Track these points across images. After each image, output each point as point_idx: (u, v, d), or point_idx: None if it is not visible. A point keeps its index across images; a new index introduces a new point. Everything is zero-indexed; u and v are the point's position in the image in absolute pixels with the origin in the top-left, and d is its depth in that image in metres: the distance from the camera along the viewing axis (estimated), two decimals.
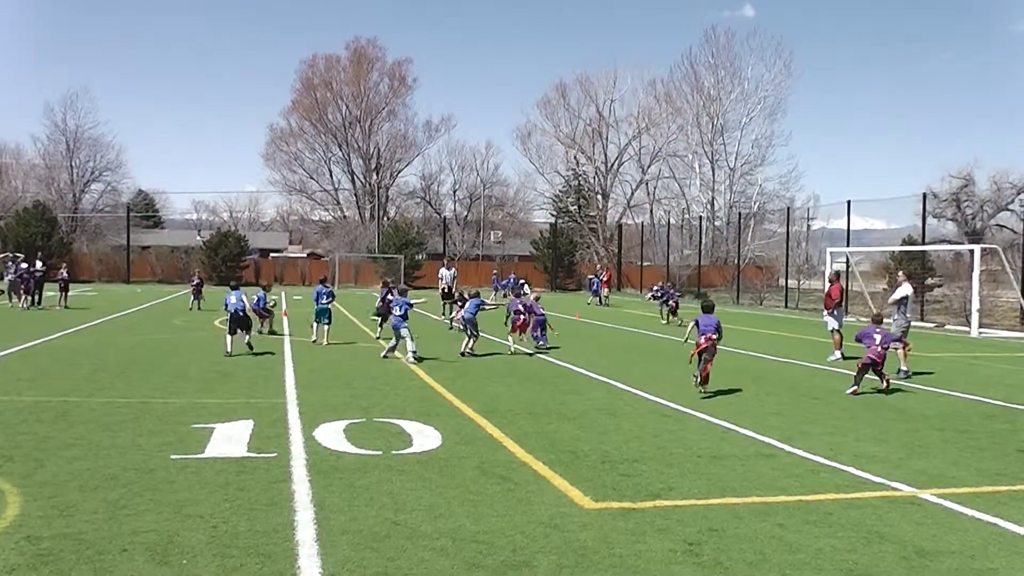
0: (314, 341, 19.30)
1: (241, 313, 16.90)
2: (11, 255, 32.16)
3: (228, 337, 16.78)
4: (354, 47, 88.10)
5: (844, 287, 21.81)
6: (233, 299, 16.99)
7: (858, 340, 14.05)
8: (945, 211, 40.91)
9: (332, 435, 9.52)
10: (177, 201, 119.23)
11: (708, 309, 13.53)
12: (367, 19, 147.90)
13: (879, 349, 13.52)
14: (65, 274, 31.36)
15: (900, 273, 18.05)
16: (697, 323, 13.18)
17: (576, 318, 31.50)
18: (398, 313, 16.63)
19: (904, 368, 16.11)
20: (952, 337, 26.84)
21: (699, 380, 12.94)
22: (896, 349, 15.76)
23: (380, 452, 8.78)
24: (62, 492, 7.07)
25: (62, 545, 5.80)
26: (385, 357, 16.64)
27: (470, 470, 8.15)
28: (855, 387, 13.51)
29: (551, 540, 6.14)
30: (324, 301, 19.36)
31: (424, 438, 9.50)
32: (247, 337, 16.98)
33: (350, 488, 7.37)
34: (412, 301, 17.22)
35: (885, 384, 13.63)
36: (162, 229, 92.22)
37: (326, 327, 19.34)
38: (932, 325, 30.71)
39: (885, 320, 15.17)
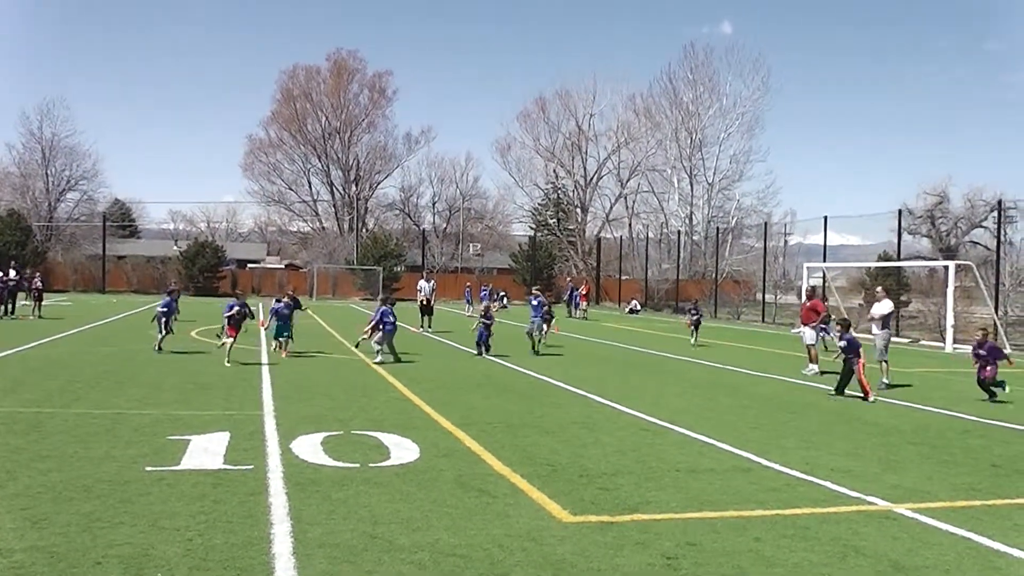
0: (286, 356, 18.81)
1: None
2: None
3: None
4: (334, 59, 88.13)
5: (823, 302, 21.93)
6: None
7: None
8: (920, 228, 41.35)
9: (309, 448, 9.47)
10: (154, 211, 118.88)
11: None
12: (348, 31, 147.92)
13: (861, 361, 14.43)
14: (39, 283, 31.06)
15: (880, 289, 18.16)
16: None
17: (555, 331, 31.49)
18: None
19: (886, 380, 16.28)
20: (927, 352, 27.08)
21: None
22: (882, 362, 16.09)
23: (358, 465, 8.74)
24: (35, 504, 6.98)
25: (34, 558, 5.72)
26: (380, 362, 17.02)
27: (448, 483, 8.12)
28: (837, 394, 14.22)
29: (529, 554, 6.12)
30: (284, 314, 19.21)
31: (402, 451, 9.47)
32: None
33: (327, 501, 7.33)
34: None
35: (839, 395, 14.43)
36: (138, 239, 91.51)
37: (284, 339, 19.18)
38: (907, 340, 30.95)
39: (868, 334, 15.41)
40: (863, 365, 14.61)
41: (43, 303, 31.22)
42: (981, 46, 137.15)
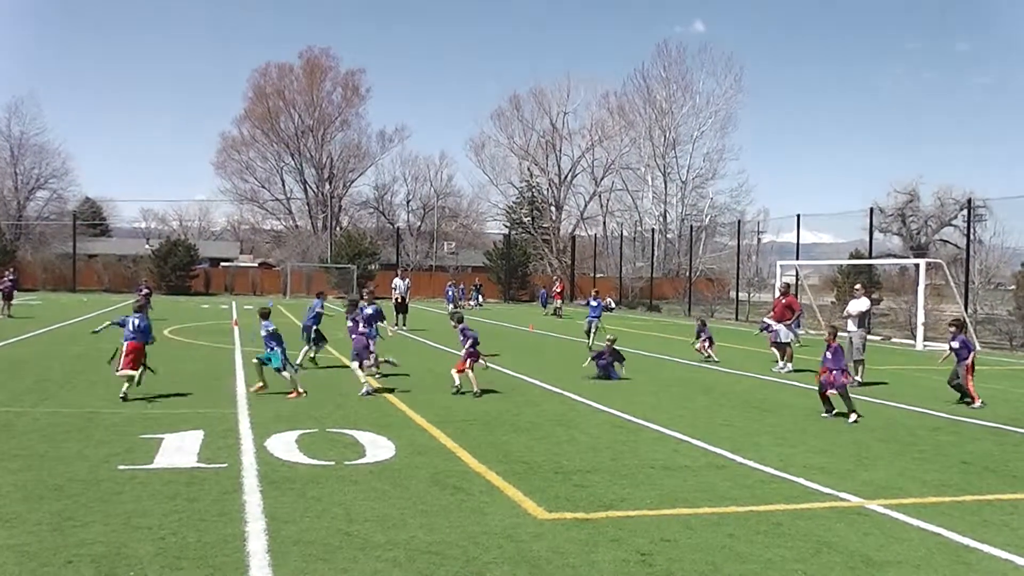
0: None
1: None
2: None
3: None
4: (307, 56, 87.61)
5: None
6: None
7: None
8: (891, 226, 41.68)
9: (284, 445, 9.43)
10: (125, 209, 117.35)
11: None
12: (321, 29, 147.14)
13: (834, 376, 12.73)
14: (9, 281, 30.67)
15: (858, 287, 18.13)
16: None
17: (530, 329, 31.56)
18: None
19: (858, 379, 16.42)
20: (897, 350, 27.35)
21: None
22: (858, 361, 16.10)
23: (333, 463, 8.72)
24: (5, 503, 6.91)
25: (5, 557, 5.67)
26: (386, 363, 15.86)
27: (423, 481, 8.12)
28: (827, 413, 12.84)
29: (504, 551, 6.13)
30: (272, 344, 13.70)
31: (377, 448, 9.45)
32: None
33: (302, 499, 7.30)
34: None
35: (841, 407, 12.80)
36: (110, 238, 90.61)
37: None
38: (878, 338, 31.24)
39: (841, 333, 14.99)
40: (970, 368, 14.31)
41: (12, 302, 30.84)
42: (951, 47, 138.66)
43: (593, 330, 23.43)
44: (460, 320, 14.90)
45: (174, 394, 13.06)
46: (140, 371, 12.66)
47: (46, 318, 29.67)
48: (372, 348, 14.73)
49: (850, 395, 12.85)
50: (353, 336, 14.28)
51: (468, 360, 13.98)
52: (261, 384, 13.26)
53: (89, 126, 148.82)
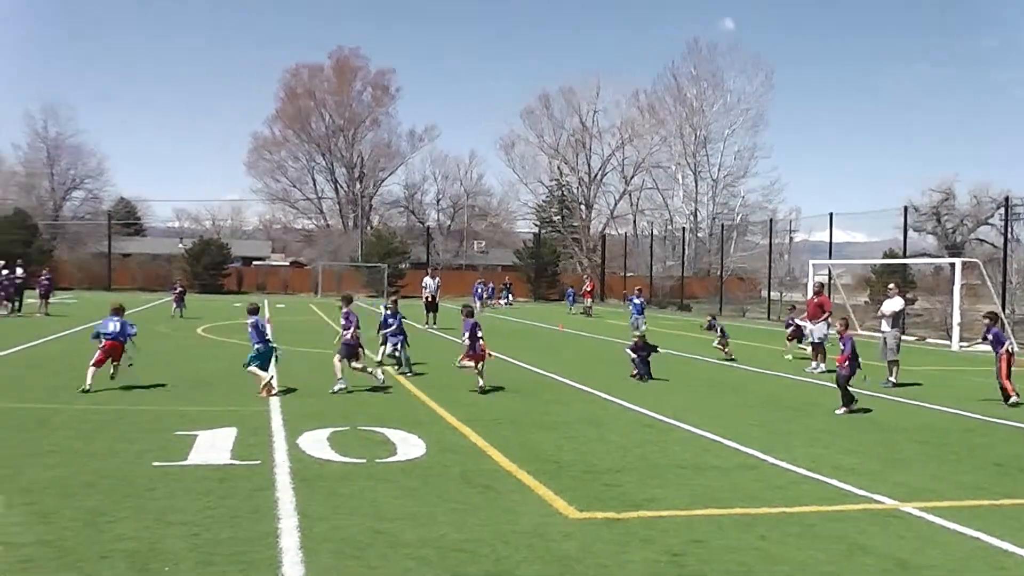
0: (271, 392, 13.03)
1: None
2: None
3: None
4: (337, 56, 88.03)
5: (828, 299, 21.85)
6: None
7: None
8: (926, 224, 41.20)
9: (316, 443, 9.48)
10: (159, 209, 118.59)
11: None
12: (350, 29, 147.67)
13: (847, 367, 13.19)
14: (46, 280, 31.08)
15: (892, 286, 17.91)
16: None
17: (559, 328, 31.53)
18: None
19: (892, 380, 16.25)
20: (932, 351, 27.02)
21: None
22: (892, 362, 16.11)
23: (364, 460, 8.76)
24: (41, 499, 7.00)
25: (42, 552, 5.74)
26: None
27: (454, 479, 8.13)
28: (845, 407, 13.02)
29: (534, 549, 6.13)
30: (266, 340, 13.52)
31: (408, 446, 9.48)
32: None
33: (333, 496, 7.34)
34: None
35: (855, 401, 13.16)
36: (144, 237, 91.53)
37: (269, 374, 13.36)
38: (913, 338, 30.89)
39: (876, 332, 15.01)
40: (1005, 362, 14.19)
41: (50, 301, 31.26)
42: (979, 43, 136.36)
43: (641, 327, 23.96)
44: (470, 314, 14.86)
45: (207, 391, 13.18)
46: (116, 366, 13.51)
47: (81, 316, 30.04)
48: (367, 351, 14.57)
49: (848, 388, 13.12)
50: (346, 333, 13.88)
51: (473, 357, 13.96)
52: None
53: (124, 127, 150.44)
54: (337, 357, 13.68)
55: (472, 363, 14.00)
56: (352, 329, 13.79)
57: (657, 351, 16.91)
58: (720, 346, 20.66)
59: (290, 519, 6.64)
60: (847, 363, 13.27)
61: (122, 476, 7.85)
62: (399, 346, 16.27)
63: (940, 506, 7.72)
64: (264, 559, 5.74)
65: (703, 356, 21.58)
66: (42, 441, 9.29)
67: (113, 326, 13.91)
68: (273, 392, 12.84)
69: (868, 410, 13.26)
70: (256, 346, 13.17)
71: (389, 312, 16.41)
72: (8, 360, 16.66)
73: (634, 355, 16.58)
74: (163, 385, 13.65)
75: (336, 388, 13.28)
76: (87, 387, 12.65)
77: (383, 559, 5.83)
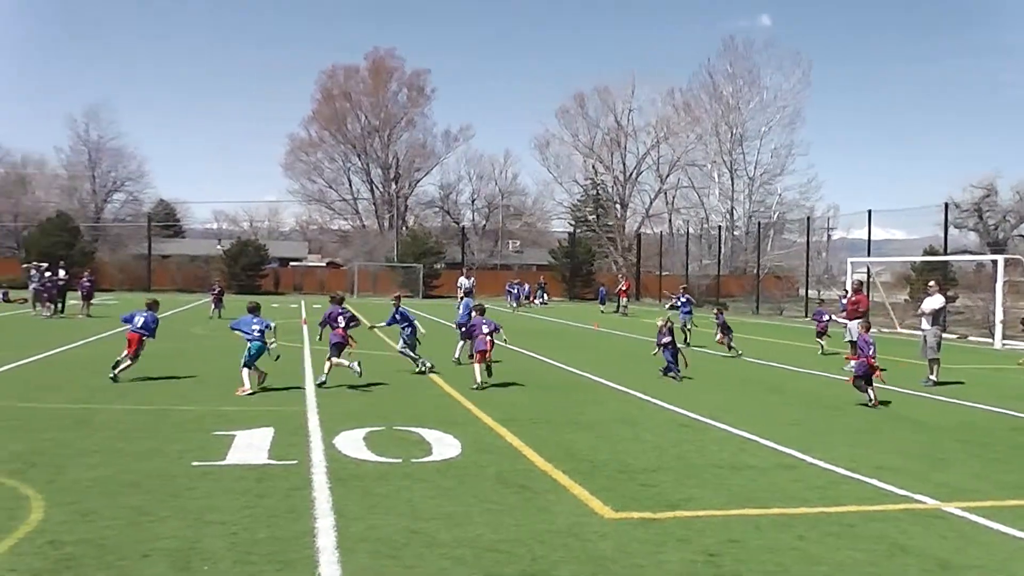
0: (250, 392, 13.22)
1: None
2: (35, 265, 32.40)
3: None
4: (373, 57, 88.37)
5: (867, 297, 21.62)
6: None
7: (862, 348, 13.69)
8: (967, 221, 40.59)
9: (352, 443, 9.54)
10: (198, 211, 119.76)
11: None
12: (386, 30, 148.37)
13: (871, 361, 13.34)
14: (88, 282, 31.56)
15: (932, 283, 17.57)
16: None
17: (595, 328, 31.46)
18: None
19: (933, 378, 16.04)
20: (974, 349, 26.61)
21: None
22: (932, 360, 16.02)
23: (400, 460, 8.80)
24: (84, 498, 7.11)
25: (84, 550, 5.83)
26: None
27: (489, 479, 8.14)
28: (871, 399, 13.21)
29: (570, 549, 6.12)
30: (257, 336, 13.74)
31: (443, 446, 9.51)
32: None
33: (369, 496, 7.38)
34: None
35: (873, 399, 13.25)
36: (183, 238, 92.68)
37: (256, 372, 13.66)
38: (954, 336, 30.45)
39: (916, 330, 14.92)
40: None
41: (92, 302, 31.75)
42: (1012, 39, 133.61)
43: (688, 327, 24.52)
44: (482, 312, 15.53)
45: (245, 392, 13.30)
46: (130, 362, 14.29)
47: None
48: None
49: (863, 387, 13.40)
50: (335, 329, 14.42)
51: (479, 353, 14.41)
52: (258, 378, 13.53)
53: (163, 129, 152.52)
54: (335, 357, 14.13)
55: (476, 361, 14.45)
56: (344, 327, 14.35)
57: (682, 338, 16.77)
58: (721, 341, 20.78)
59: (326, 519, 6.68)
60: (864, 360, 13.39)
61: (163, 475, 7.95)
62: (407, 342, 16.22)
63: (983, 506, 7.60)
64: (301, 558, 5.79)
65: (741, 356, 21.43)
66: (84, 441, 9.44)
67: (139, 319, 14.72)
68: (246, 391, 13.10)
69: (909, 409, 13.07)
70: (252, 343, 13.57)
71: (395, 309, 16.26)
72: (50, 361, 16.94)
73: (659, 346, 16.41)
74: (202, 385, 13.80)
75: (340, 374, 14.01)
76: (114, 375, 13.87)
77: (419, 559, 5.85)
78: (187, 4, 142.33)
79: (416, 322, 16.19)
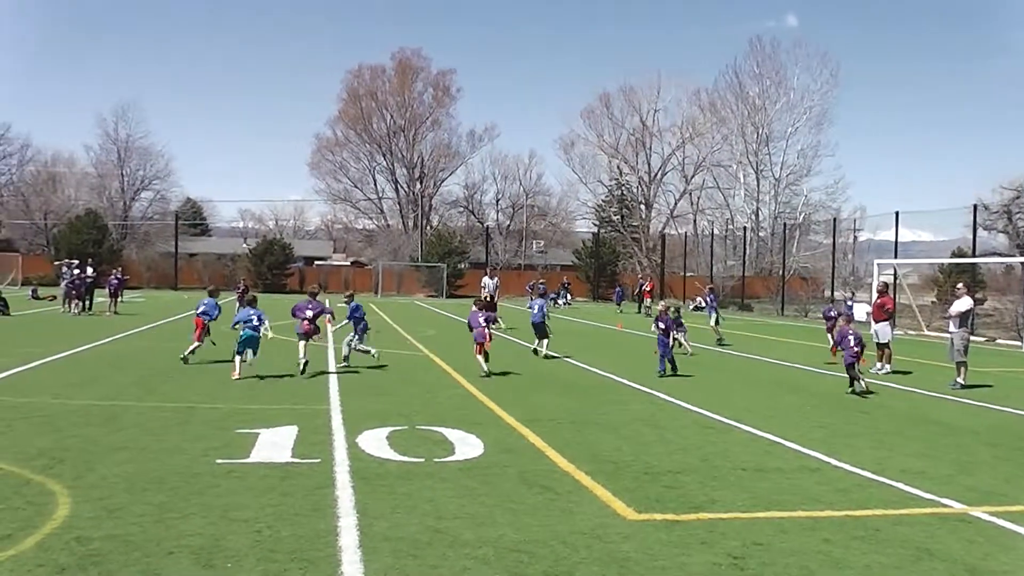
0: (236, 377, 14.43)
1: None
2: (67, 262, 32.76)
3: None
4: (399, 57, 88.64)
5: (894, 299, 21.46)
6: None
7: (837, 342, 15.31)
8: (996, 223, 40.20)
9: (375, 442, 9.56)
10: (224, 209, 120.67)
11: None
12: (412, 30, 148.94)
13: (855, 350, 14.56)
14: (116, 280, 31.84)
15: (960, 285, 17.42)
16: None
17: (618, 328, 31.38)
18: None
19: (961, 381, 15.91)
20: (1003, 352, 26.31)
21: None
22: (959, 363, 16.10)
23: (422, 460, 8.81)
24: (111, 494, 7.17)
25: (110, 547, 5.88)
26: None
27: (512, 479, 8.14)
28: (855, 385, 14.63)
29: (593, 551, 6.10)
30: (254, 325, 15.03)
31: (466, 446, 9.51)
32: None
33: (392, 495, 7.39)
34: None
35: (863, 386, 14.65)
36: (209, 237, 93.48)
37: (246, 359, 14.82)
38: (982, 339, 30.11)
39: (944, 332, 15.13)
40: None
41: (119, 299, 32.05)
42: None
43: (718, 322, 25.00)
44: (483, 307, 16.86)
45: (269, 390, 13.39)
46: (198, 343, 16.39)
47: (150, 315, 30.78)
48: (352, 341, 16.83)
49: (852, 372, 14.68)
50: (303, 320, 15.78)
51: (478, 344, 15.84)
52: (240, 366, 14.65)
53: (191, 128, 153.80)
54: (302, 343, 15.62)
55: (477, 352, 15.89)
56: (311, 318, 15.71)
57: (682, 329, 17.07)
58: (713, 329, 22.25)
59: (349, 517, 6.70)
60: (854, 350, 14.55)
61: (188, 473, 8.00)
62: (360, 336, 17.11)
63: (1012, 511, 7.50)
64: (324, 557, 5.81)
65: (763, 356, 21.30)
66: (112, 437, 9.53)
67: (201, 306, 17.18)
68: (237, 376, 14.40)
69: (935, 412, 12.95)
70: (243, 331, 14.92)
71: (352, 305, 17.37)
72: (78, 358, 17.11)
73: (657, 330, 16.86)
74: (227, 383, 13.89)
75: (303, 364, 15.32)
76: (184, 356, 16.15)
77: (442, 558, 5.85)
78: (216, 4, 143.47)
79: (366, 317, 17.46)
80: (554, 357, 19.34)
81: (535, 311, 20.12)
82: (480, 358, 15.78)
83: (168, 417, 10.83)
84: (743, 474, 8.67)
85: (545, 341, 19.58)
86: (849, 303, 23.55)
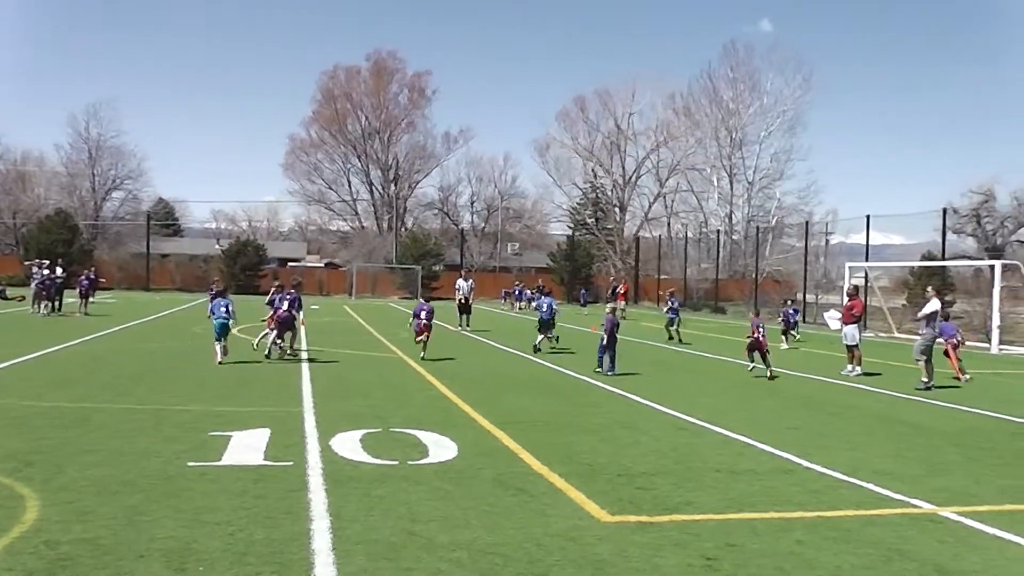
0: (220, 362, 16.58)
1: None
2: (37, 262, 32.35)
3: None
4: (374, 59, 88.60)
5: (864, 302, 21.67)
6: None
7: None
8: (965, 227, 40.61)
9: (349, 445, 9.52)
10: (197, 210, 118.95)
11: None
12: (387, 31, 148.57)
13: (760, 338, 17.19)
14: (86, 280, 31.50)
15: (929, 289, 17.89)
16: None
17: (592, 330, 31.43)
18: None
19: (925, 379, 16.13)
20: (972, 354, 26.59)
21: None
22: (920, 360, 16.51)
23: (397, 462, 8.78)
24: (80, 497, 7.09)
25: (80, 550, 5.82)
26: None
27: (486, 481, 8.13)
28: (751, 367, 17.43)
29: (567, 553, 6.11)
30: (222, 314, 17.05)
31: (441, 449, 9.49)
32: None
33: (366, 498, 7.36)
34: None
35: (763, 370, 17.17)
36: (181, 237, 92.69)
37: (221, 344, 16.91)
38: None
39: (914, 334, 15.47)
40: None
41: (90, 301, 31.71)
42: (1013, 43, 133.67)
43: (672, 323, 26.70)
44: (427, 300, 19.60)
45: (242, 392, 13.30)
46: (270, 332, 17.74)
47: (121, 316, 30.45)
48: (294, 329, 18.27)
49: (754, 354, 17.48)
50: (282, 312, 17.46)
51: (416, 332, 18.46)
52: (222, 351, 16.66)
53: (163, 128, 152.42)
54: (274, 334, 17.51)
55: (419, 336, 18.31)
56: (286, 308, 17.41)
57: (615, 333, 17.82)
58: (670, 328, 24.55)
59: (323, 520, 6.67)
60: (760, 338, 17.19)
61: (160, 476, 7.93)
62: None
63: (981, 511, 7.59)
64: (297, 560, 5.77)
65: (737, 359, 21.41)
66: (83, 440, 9.42)
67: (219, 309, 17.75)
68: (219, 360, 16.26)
69: (906, 414, 13.08)
70: (215, 320, 16.80)
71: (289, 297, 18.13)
72: (49, 359, 16.91)
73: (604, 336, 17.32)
74: (199, 386, 13.79)
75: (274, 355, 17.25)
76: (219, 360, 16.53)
77: (416, 561, 5.84)
78: (189, 3, 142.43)
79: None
80: (538, 351, 20.92)
81: (544, 309, 21.67)
82: (419, 345, 18.41)
83: (140, 419, 10.72)
84: (717, 476, 8.72)
85: (550, 335, 21.47)
86: (792, 311, 27.63)
